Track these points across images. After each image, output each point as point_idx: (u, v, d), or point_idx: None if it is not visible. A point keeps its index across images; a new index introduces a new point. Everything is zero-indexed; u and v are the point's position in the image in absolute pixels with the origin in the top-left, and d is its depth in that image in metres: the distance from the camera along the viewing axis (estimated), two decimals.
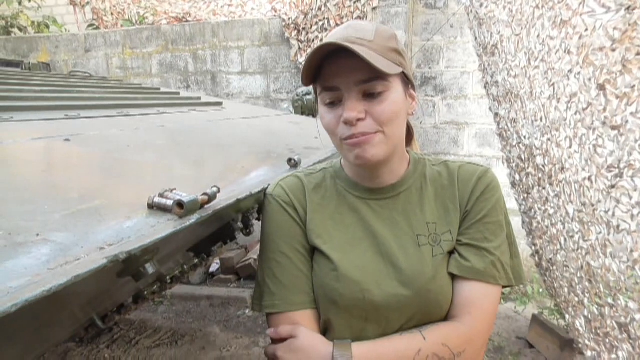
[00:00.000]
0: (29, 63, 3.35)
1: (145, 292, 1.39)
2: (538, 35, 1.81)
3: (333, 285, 0.89)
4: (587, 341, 1.80)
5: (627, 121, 1.29)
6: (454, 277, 0.91)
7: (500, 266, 0.91)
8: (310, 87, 0.99)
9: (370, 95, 0.83)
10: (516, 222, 2.70)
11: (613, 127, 1.34)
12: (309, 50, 0.86)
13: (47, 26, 6.30)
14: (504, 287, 0.93)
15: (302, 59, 4.49)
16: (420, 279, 0.88)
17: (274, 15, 4.71)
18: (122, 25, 5.73)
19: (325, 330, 0.93)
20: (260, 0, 5.34)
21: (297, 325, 0.90)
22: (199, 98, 2.66)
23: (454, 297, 0.90)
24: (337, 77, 0.82)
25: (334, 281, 0.89)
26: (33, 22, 6.29)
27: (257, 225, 1.38)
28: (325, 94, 0.86)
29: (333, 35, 0.85)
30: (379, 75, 0.81)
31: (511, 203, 2.76)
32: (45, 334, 0.85)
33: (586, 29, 1.44)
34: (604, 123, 1.39)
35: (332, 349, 0.85)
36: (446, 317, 0.91)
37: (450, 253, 0.92)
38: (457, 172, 0.96)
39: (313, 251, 0.95)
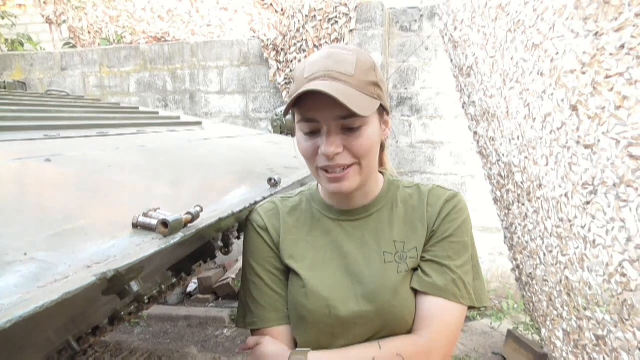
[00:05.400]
0: (4, 82, 3.31)
1: (122, 313, 1.39)
2: (512, 58, 1.88)
3: (302, 301, 0.94)
4: (564, 354, 1.83)
5: (599, 140, 1.34)
6: (416, 292, 0.94)
7: (462, 285, 0.94)
8: None
9: (348, 129, 0.87)
10: (498, 237, 2.76)
11: (586, 146, 1.39)
12: (292, 88, 0.90)
13: (22, 44, 6.23)
14: (469, 308, 0.96)
15: (280, 78, 4.54)
16: (384, 294, 0.91)
17: (253, 36, 4.77)
18: (99, 44, 5.72)
19: (297, 345, 0.97)
20: (239, 21, 5.40)
21: (262, 336, 0.96)
22: (178, 117, 2.66)
23: (416, 312, 0.93)
24: (317, 111, 0.85)
25: (302, 297, 0.94)
26: (7, 40, 6.22)
27: (236, 244, 1.40)
28: (304, 124, 0.89)
29: (314, 64, 0.87)
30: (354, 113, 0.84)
31: (494, 219, 2.82)
32: (18, 358, 0.84)
33: (557, 53, 1.50)
34: (577, 142, 1.44)
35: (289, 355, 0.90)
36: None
37: (415, 270, 0.96)
38: (428, 194, 1.01)
39: (288, 271, 1.00)
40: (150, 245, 0.74)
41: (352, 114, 0.83)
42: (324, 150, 0.86)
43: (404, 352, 0.88)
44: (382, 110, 0.94)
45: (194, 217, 0.87)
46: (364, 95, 0.86)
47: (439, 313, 0.92)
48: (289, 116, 3.25)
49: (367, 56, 0.92)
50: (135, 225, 0.80)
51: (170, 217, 0.79)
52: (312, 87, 0.81)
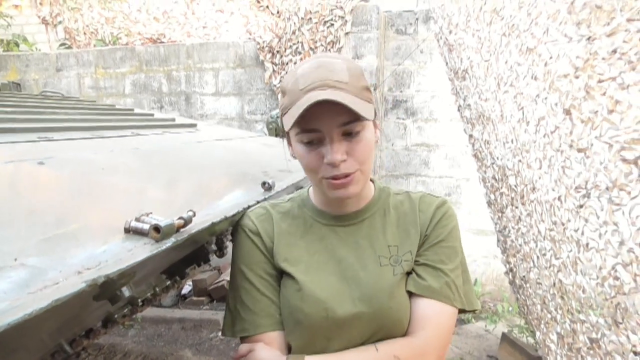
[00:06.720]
0: None
1: (116, 316, 1.38)
2: (506, 62, 1.88)
3: (298, 304, 0.93)
4: (559, 357, 1.84)
5: (592, 144, 1.34)
6: (411, 295, 0.95)
7: (455, 288, 0.96)
8: None
9: (348, 135, 0.88)
10: (493, 240, 2.77)
11: (579, 150, 1.40)
12: (289, 101, 0.88)
13: (17, 45, 6.21)
14: (460, 311, 0.98)
15: (276, 81, 4.54)
16: (381, 297, 0.92)
17: (249, 38, 4.77)
18: (95, 45, 5.70)
19: (290, 351, 0.96)
20: (235, 23, 5.40)
21: (255, 342, 0.95)
22: (173, 119, 2.66)
23: (411, 314, 0.94)
24: (319, 120, 0.85)
25: (299, 301, 0.93)
26: (2, 41, 6.19)
27: (230, 247, 1.39)
28: (304, 135, 0.89)
29: (307, 75, 0.86)
30: (358, 117, 0.85)
31: (489, 222, 2.82)
32: None
33: (551, 57, 1.51)
34: (570, 146, 1.44)
35: None
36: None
37: (409, 273, 0.97)
38: (418, 201, 1.03)
39: (281, 276, 1.00)
40: (142, 250, 0.73)
41: (354, 119, 0.85)
42: (331, 159, 0.87)
43: (401, 354, 0.89)
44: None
45: (187, 222, 0.87)
46: (361, 100, 0.87)
47: (434, 315, 0.93)
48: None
49: (354, 62, 0.94)
50: (127, 230, 0.80)
51: (163, 222, 0.79)
52: (320, 97, 0.81)
